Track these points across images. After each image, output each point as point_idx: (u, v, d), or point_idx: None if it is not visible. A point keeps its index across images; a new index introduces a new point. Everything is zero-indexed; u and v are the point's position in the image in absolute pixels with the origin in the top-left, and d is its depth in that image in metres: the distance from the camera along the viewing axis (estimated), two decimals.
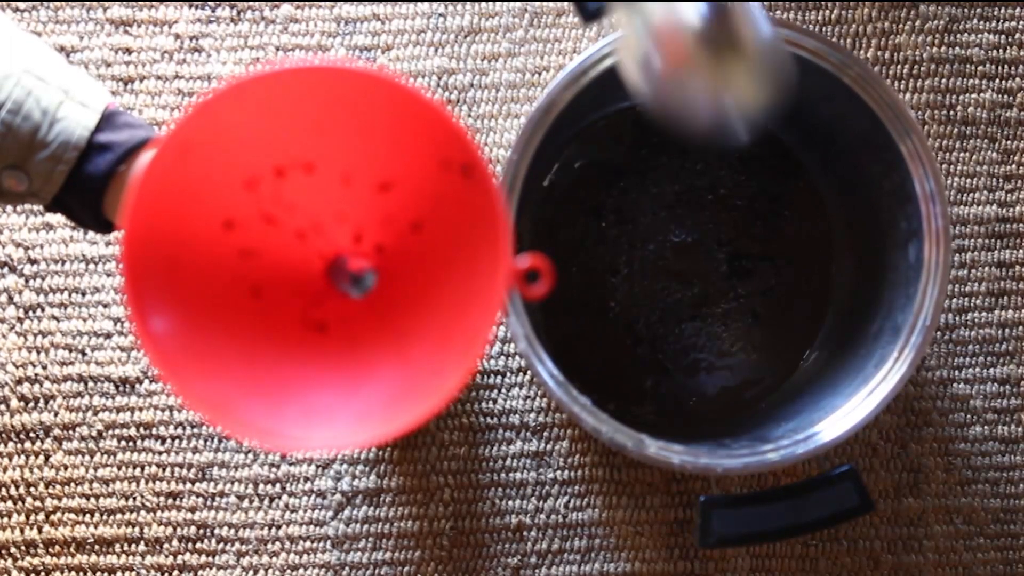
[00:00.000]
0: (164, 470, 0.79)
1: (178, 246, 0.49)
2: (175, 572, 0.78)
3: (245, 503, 0.79)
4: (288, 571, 0.79)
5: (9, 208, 0.79)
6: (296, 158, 0.52)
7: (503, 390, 0.80)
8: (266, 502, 0.79)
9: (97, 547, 0.78)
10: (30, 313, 0.79)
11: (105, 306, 0.79)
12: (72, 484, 0.78)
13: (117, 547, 0.78)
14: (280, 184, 0.53)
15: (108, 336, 0.79)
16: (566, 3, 0.82)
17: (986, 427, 0.81)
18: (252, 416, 0.48)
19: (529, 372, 0.80)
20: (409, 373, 0.52)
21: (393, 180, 0.53)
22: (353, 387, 0.53)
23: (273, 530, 0.79)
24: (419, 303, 0.55)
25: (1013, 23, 0.84)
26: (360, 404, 0.52)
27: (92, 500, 0.78)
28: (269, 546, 0.79)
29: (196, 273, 0.51)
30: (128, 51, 0.81)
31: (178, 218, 0.49)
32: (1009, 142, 0.83)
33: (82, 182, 0.52)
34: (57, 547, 0.78)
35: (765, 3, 0.83)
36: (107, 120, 0.53)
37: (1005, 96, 0.83)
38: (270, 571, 0.79)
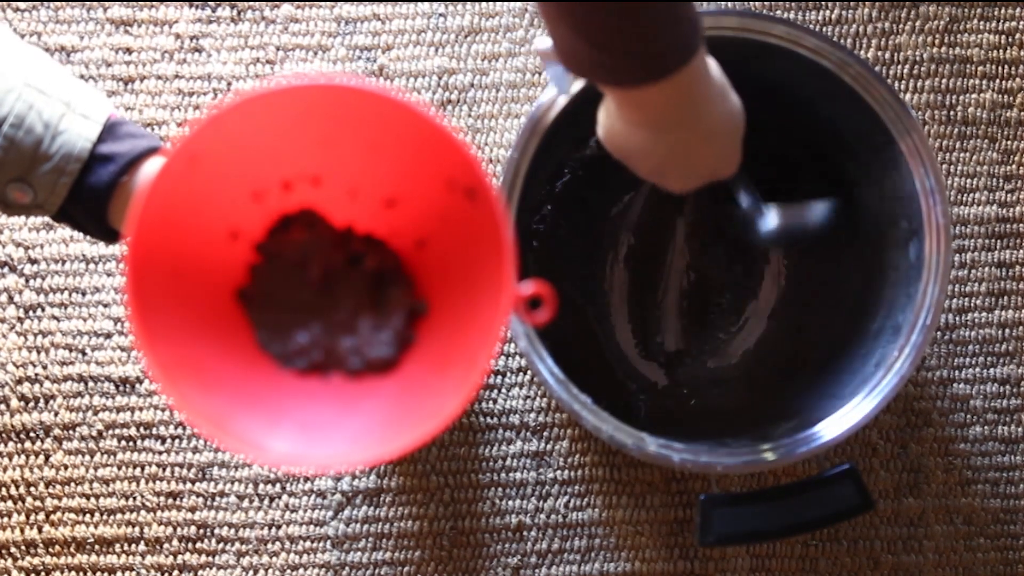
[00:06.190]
0: (164, 470, 0.78)
1: (183, 256, 0.49)
2: (175, 572, 0.78)
3: (245, 503, 0.79)
4: (288, 571, 0.79)
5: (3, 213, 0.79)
6: (304, 171, 0.52)
7: (503, 390, 0.80)
8: (266, 502, 0.79)
9: (97, 547, 0.78)
10: (30, 313, 0.79)
11: (105, 306, 0.79)
12: (72, 484, 0.78)
13: (117, 547, 0.78)
14: (287, 197, 0.53)
15: (108, 336, 0.79)
16: None
17: (986, 427, 0.81)
18: (249, 431, 0.48)
19: (529, 372, 0.80)
20: (407, 392, 0.52)
21: (399, 197, 0.53)
22: (351, 404, 0.53)
23: (273, 530, 0.79)
24: (420, 321, 0.54)
25: (1013, 23, 0.84)
26: (357, 422, 0.52)
27: (92, 500, 0.78)
28: (269, 546, 0.79)
29: (200, 284, 0.51)
30: (128, 51, 0.81)
31: (184, 228, 0.49)
32: (1009, 142, 0.83)
33: (86, 193, 0.53)
34: (57, 547, 0.78)
35: (766, 3, 0.83)
36: (109, 131, 0.53)
37: (1005, 96, 0.83)
38: (270, 571, 0.79)
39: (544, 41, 0.55)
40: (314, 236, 0.54)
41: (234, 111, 0.46)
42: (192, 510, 0.78)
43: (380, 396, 0.53)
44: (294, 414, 0.51)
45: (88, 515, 0.78)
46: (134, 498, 0.78)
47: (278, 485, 0.79)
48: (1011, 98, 0.83)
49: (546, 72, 0.59)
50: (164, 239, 0.47)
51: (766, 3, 0.83)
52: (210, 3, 0.81)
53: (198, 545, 0.78)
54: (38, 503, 0.78)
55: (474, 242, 0.49)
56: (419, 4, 0.82)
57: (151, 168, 0.53)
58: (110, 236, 0.56)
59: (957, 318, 0.82)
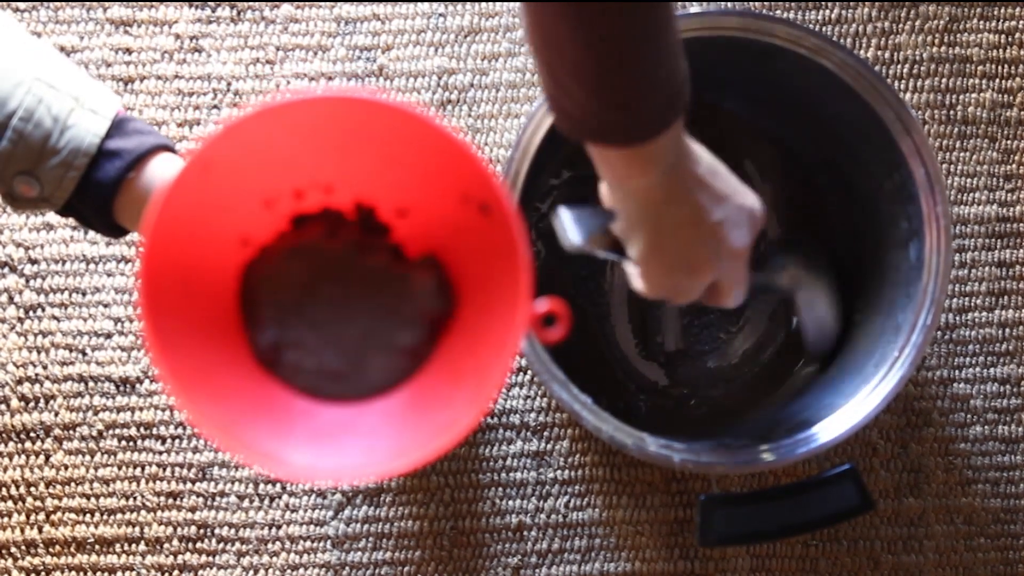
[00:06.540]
0: (164, 470, 0.78)
1: (195, 261, 0.49)
2: (175, 572, 0.78)
3: (245, 503, 0.79)
4: (288, 571, 0.79)
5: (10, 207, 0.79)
6: (316, 180, 0.52)
7: (503, 390, 0.80)
8: (266, 502, 0.79)
9: (97, 547, 0.78)
10: (30, 313, 0.79)
11: (105, 306, 0.79)
12: (72, 484, 0.78)
13: (117, 547, 0.78)
14: (298, 204, 0.53)
15: (108, 336, 0.79)
16: None
17: (986, 427, 0.81)
18: (261, 441, 0.48)
19: (529, 372, 0.80)
20: (419, 403, 0.52)
21: (411, 207, 0.53)
22: (361, 414, 0.53)
23: (273, 530, 0.79)
24: (433, 334, 0.54)
25: (1013, 23, 0.84)
26: (369, 433, 0.51)
27: (92, 500, 0.78)
28: (269, 546, 0.79)
29: (211, 289, 0.51)
30: (128, 51, 0.81)
31: (196, 234, 0.49)
32: (1009, 142, 0.83)
33: (92, 188, 0.53)
34: (57, 547, 0.78)
35: (766, 3, 0.83)
36: (117, 127, 0.54)
37: (1005, 96, 0.83)
38: (270, 571, 0.79)
39: (572, 234, 0.56)
40: (327, 247, 0.54)
41: (250, 121, 0.46)
42: (192, 510, 0.78)
43: (392, 406, 0.53)
44: (305, 423, 0.51)
45: (88, 515, 0.78)
46: (134, 498, 0.78)
47: (278, 485, 0.79)
48: (1011, 98, 0.83)
49: (563, 224, 0.58)
50: (176, 248, 0.48)
51: (766, 3, 0.83)
52: (210, 3, 0.81)
53: (198, 545, 0.78)
54: (38, 503, 0.78)
55: (488, 256, 0.49)
56: (419, 4, 0.82)
57: (158, 166, 0.54)
58: (115, 232, 0.56)
59: (957, 318, 0.82)
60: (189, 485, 0.79)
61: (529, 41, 0.46)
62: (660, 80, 0.46)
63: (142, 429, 0.79)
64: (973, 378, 0.82)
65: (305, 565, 0.79)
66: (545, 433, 0.80)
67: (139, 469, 0.78)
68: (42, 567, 0.78)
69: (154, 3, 0.81)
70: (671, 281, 0.57)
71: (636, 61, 0.44)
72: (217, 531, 0.78)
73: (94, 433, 0.78)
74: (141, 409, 0.79)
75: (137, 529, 0.78)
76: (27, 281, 0.79)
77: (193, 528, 0.78)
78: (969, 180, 0.83)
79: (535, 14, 0.44)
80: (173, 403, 0.79)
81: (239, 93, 0.81)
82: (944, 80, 0.83)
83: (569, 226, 0.57)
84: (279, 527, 0.79)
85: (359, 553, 0.79)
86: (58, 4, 0.81)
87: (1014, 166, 0.83)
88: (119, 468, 0.78)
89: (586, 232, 0.57)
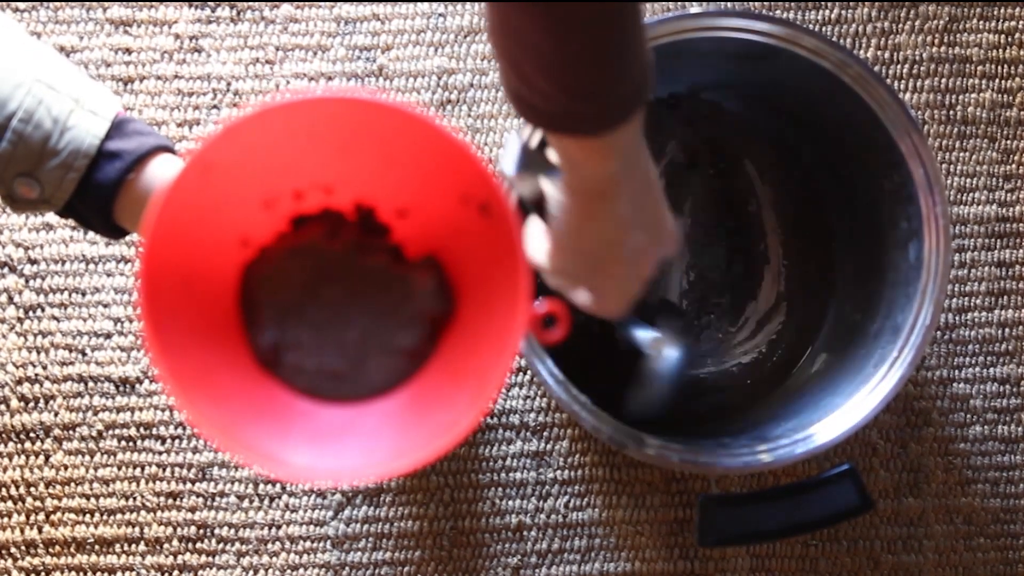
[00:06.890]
0: (164, 470, 0.78)
1: (195, 262, 0.49)
2: (175, 572, 0.78)
3: (245, 503, 0.79)
4: (288, 571, 0.79)
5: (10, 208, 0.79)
6: (316, 181, 0.52)
7: (503, 390, 0.80)
8: (266, 502, 0.79)
9: (97, 547, 0.78)
10: (30, 313, 0.79)
11: (105, 306, 0.79)
12: (72, 484, 0.78)
13: (117, 547, 0.78)
14: (298, 205, 0.53)
15: (108, 336, 0.79)
16: None
17: (986, 427, 0.81)
18: (260, 442, 0.48)
19: (529, 372, 0.80)
20: (419, 403, 0.52)
21: (411, 208, 0.53)
22: (361, 414, 0.53)
23: (273, 530, 0.79)
24: (433, 335, 0.54)
25: (1013, 23, 0.84)
26: (369, 433, 0.51)
27: (92, 500, 0.78)
28: (269, 546, 0.79)
29: (211, 290, 0.51)
30: (128, 51, 0.81)
31: (196, 235, 0.49)
32: (1009, 142, 0.83)
33: (92, 189, 0.53)
34: (57, 547, 0.78)
35: (765, 3, 0.83)
36: (117, 128, 0.54)
37: (1005, 96, 0.83)
38: (270, 571, 0.79)
39: (507, 162, 0.55)
40: (327, 247, 0.53)
41: (250, 121, 0.46)
42: (192, 510, 0.78)
43: (392, 407, 0.53)
44: (304, 424, 0.51)
45: (88, 515, 0.78)
46: (134, 498, 0.78)
47: (278, 485, 0.79)
48: (1011, 98, 0.83)
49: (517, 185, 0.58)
50: (176, 249, 0.48)
51: (766, 3, 0.83)
52: (210, 3, 0.81)
53: (198, 545, 0.78)
54: (38, 503, 0.78)
55: (487, 257, 0.49)
56: (419, 4, 0.82)
57: (158, 166, 0.54)
58: (115, 233, 0.56)
59: (957, 318, 0.82)
60: (189, 485, 0.79)
61: (491, 33, 0.45)
62: (626, 69, 0.45)
63: (142, 429, 0.79)
64: (973, 378, 0.82)
65: (305, 565, 0.79)
66: (545, 433, 0.80)
67: (139, 469, 0.78)
68: (42, 567, 0.78)
69: (154, 3, 0.81)
70: (575, 265, 0.56)
71: (602, 50, 0.44)
72: (217, 531, 0.78)
73: (94, 433, 0.78)
74: (141, 409, 0.79)
75: (137, 529, 0.78)
76: (27, 281, 0.79)
77: (193, 528, 0.78)
78: (969, 180, 0.83)
79: (497, 5, 0.43)
80: (173, 403, 0.79)
81: (239, 93, 0.81)
82: (944, 80, 0.83)
83: (509, 155, 0.56)
84: (279, 527, 0.79)
85: (359, 553, 0.79)
86: (58, 4, 0.81)
87: (1014, 166, 0.83)
88: (119, 468, 0.78)
89: (521, 167, 0.56)
